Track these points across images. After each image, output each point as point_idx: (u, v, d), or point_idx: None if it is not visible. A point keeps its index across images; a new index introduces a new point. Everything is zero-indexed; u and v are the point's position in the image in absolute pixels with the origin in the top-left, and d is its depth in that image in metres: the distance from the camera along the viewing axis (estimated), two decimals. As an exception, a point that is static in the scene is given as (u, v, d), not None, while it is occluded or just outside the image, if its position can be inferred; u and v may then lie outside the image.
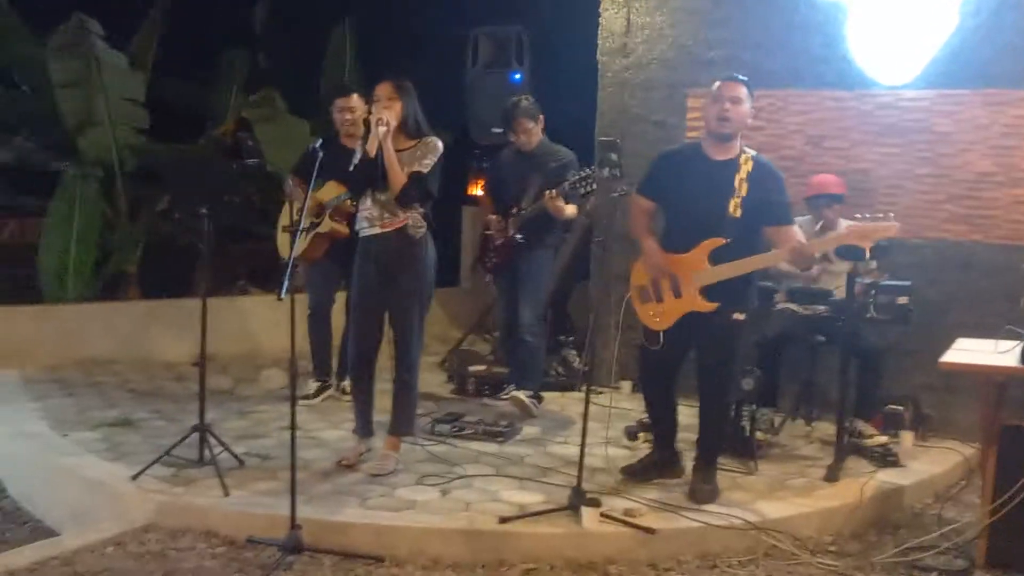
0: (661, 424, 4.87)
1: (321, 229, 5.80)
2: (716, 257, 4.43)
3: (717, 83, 4.56)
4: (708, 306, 4.44)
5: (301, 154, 6.07)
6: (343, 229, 5.76)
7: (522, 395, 5.89)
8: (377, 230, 4.67)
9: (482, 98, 8.69)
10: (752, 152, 4.58)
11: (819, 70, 6.06)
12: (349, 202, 5.66)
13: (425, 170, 4.61)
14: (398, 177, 4.55)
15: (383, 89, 4.62)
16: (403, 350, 4.75)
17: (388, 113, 4.53)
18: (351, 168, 4.76)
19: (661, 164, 4.75)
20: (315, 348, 6.17)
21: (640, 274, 4.70)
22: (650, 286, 4.62)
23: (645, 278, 4.65)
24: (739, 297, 4.48)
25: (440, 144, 4.70)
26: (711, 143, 4.55)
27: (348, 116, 5.90)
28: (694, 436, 4.73)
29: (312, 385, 6.16)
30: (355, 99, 5.91)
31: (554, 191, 5.61)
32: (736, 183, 4.44)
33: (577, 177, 5.54)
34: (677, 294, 4.53)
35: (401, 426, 4.85)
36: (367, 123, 4.63)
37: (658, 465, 4.81)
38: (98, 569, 3.86)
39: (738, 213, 4.41)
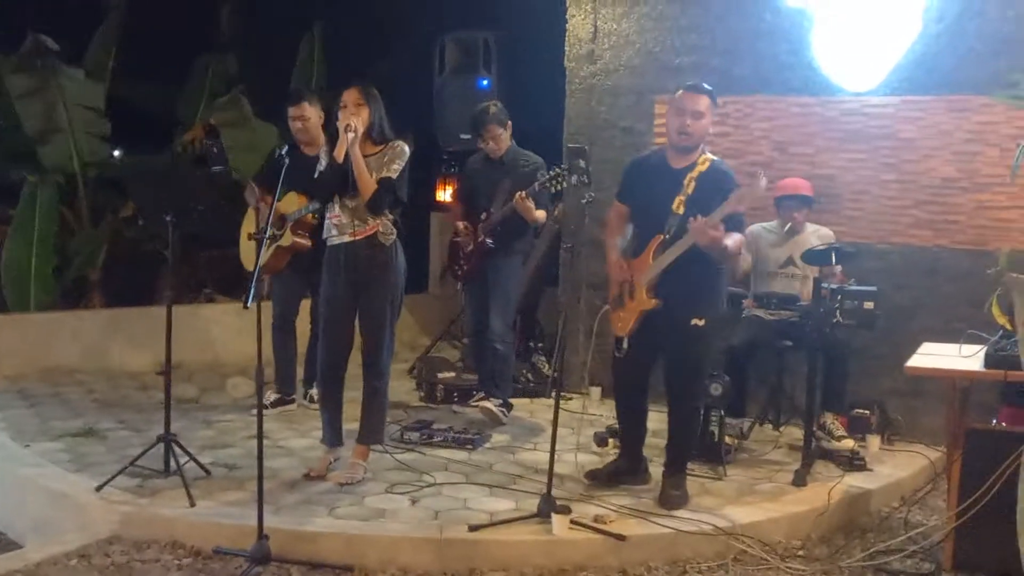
0: (629, 430, 4.88)
1: (283, 243, 5.69)
2: (659, 254, 4.51)
3: (680, 92, 4.60)
4: (651, 303, 4.50)
5: (266, 159, 6.01)
6: (305, 242, 5.72)
7: (491, 404, 5.87)
8: (347, 238, 4.64)
9: (450, 104, 8.67)
10: (713, 156, 4.63)
11: (785, 76, 6.10)
12: (311, 216, 5.63)
13: (394, 175, 4.60)
14: (368, 183, 4.53)
15: (350, 95, 4.60)
16: (373, 358, 4.72)
17: (356, 119, 4.51)
18: (316, 175, 4.73)
19: (629, 170, 4.86)
20: (279, 361, 6.10)
21: (612, 284, 4.77)
22: (620, 292, 4.68)
23: (615, 288, 4.72)
24: (697, 303, 4.51)
25: (407, 149, 4.68)
26: (672, 153, 4.63)
27: (299, 124, 5.82)
28: (663, 443, 4.74)
29: (271, 396, 6.06)
30: (306, 107, 5.81)
31: (524, 192, 5.61)
32: (685, 182, 4.51)
33: (547, 177, 5.54)
34: (632, 296, 4.60)
35: (370, 435, 4.82)
36: (325, 129, 4.59)
37: (623, 471, 4.83)
38: (61, 582, 3.81)
39: (681, 210, 4.47)
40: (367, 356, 4.72)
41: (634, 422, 4.85)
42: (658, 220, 4.53)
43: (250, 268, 6.00)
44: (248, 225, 6.10)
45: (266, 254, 5.56)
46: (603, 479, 4.77)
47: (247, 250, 6.07)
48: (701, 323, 4.49)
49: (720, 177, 4.54)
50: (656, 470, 4.78)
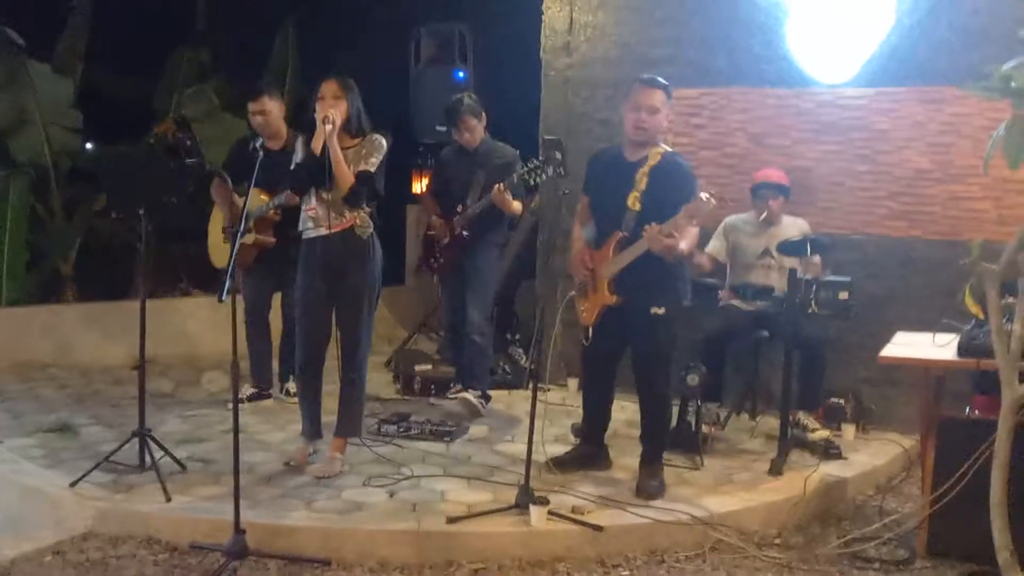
0: (593, 416, 4.96)
1: (246, 240, 5.61)
2: (619, 250, 4.55)
3: (636, 86, 4.63)
4: (612, 299, 4.56)
5: (230, 150, 5.96)
6: (268, 239, 5.71)
7: (470, 396, 5.87)
8: (324, 231, 4.62)
9: (426, 95, 8.63)
10: (665, 148, 4.66)
11: (760, 68, 6.11)
12: (273, 212, 5.60)
13: (372, 168, 4.58)
14: (346, 177, 4.50)
15: (329, 87, 4.57)
16: (350, 351, 4.70)
17: (334, 111, 4.48)
18: (293, 167, 4.71)
19: (590, 162, 4.92)
20: (253, 355, 6.06)
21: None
22: (584, 282, 4.73)
23: (578, 275, 4.78)
24: (655, 292, 4.54)
25: (384, 142, 4.67)
26: (628, 145, 4.68)
27: (260, 119, 5.75)
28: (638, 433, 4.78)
29: (247, 390, 6.02)
30: (266, 100, 5.73)
31: (502, 184, 5.60)
32: (637, 177, 4.54)
33: (527, 168, 5.51)
34: (594, 289, 4.66)
35: (347, 428, 4.81)
36: (291, 122, 4.54)
37: (587, 456, 4.89)
38: (36, 579, 3.77)
39: (637, 207, 4.52)
40: (344, 349, 4.71)
41: (599, 409, 4.94)
42: (615, 214, 4.58)
43: (218, 265, 5.99)
44: (216, 222, 6.06)
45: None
46: (568, 466, 4.81)
47: (215, 246, 6.03)
48: (661, 311, 4.54)
49: (672, 170, 4.57)
50: (626, 460, 4.80)
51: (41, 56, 8.18)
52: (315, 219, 4.63)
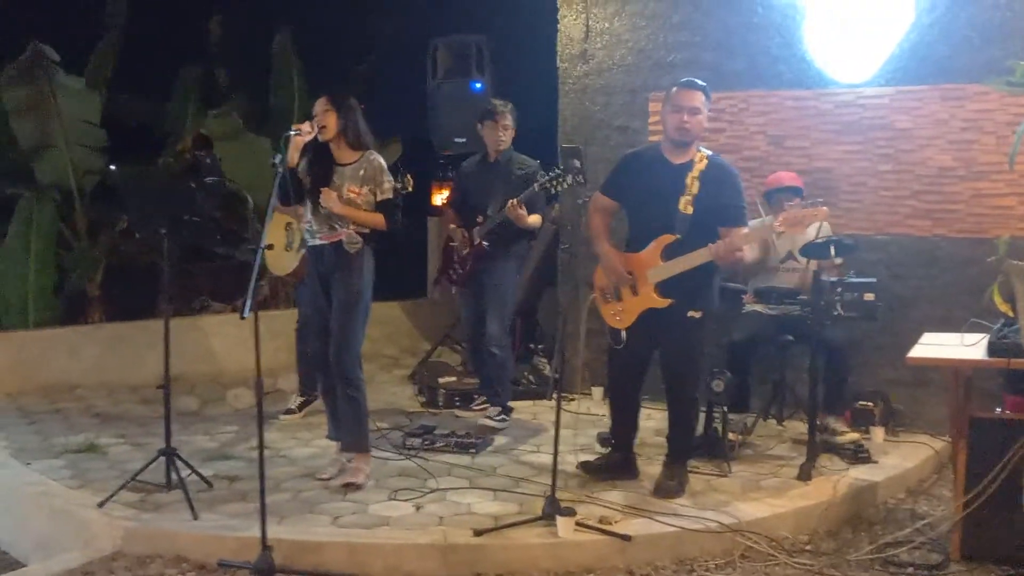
0: (621, 425, 4.93)
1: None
2: (669, 254, 4.55)
3: (675, 89, 4.67)
4: (662, 302, 4.55)
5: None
6: None
7: (489, 420, 5.85)
8: (318, 241, 4.79)
9: (444, 108, 8.67)
10: (708, 152, 4.69)
11: (778, 70, 6.08)
12: None
13: (390, 195, 4.77)
14: (372, 221, 4.70)
15: (318, 103, 4.78)
16: (338, 359, 4.74)
17: (307, 124, 4.62)
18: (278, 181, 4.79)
19: (624, 165, 4.88)
20: (301, 364, 6.10)
21: (601, 276, 4.80)
22: (610, 286, 4.72)
23: (605, 279, 4.75)
24: (695, 295, 4.57)
25: (382, 160, 4.82)
26: (669, 148, 4.69)
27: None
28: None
29: (296, 400, 6.09)
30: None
31: (516, 200, 5.58)
32: (688, 181, 4.57)
33: (547, 178, 5.47)
34: (635, 292, 4.64)
35: (355, 444, 4.85)
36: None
37: (617, 465, 4.87)
38: (65, 600, 3.79)
39: (689, 210, 4.53)
40: (333, 358, 4.75)
41: (628, 414, 4.92)
42: (662, 217, 4.57)
43: (278, 273, 6.03)
44: (270, 236, 6.06)
45: (295, 258, 5.62)
46: (595, 471, 4.80)
47: (273, 259, 6.03)
48: (698, 315, 4.57)
49: (720, 173, 4.63)
50: (654, 469, 4.80)
51: (72, 73, 8.21)
52: (310, 231, 4.81)
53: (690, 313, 4.55)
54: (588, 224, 4.93)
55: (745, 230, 4.59)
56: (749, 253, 4.55)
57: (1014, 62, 3.40)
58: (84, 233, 8.33)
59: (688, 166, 4.60)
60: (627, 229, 4.85)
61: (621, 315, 4.69)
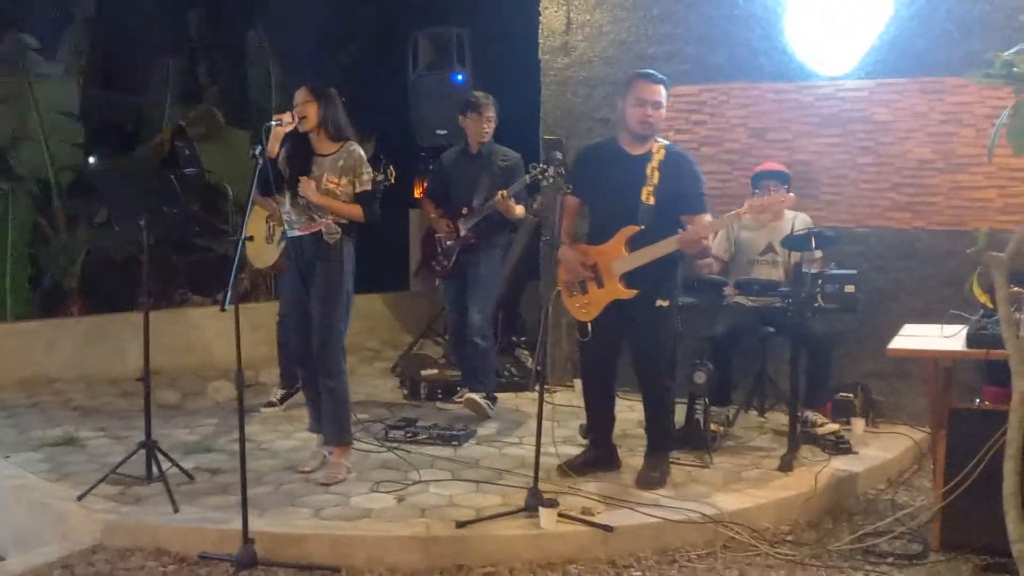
0: (598, 416, 4.93)
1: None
2: (634, 244, 4.56)
3: (638, 82, 4.65)
4: (629, 293, 4.56)
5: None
6: None
7: (476, 396, 5.85)
8: (296, 232, 4.77)
9: (425, 100, 8.64)
10: (665, 142, 4.71)
11: (760, 63, 6.09)
12: None
13: (369, 187, 4.75)
14: (350, 212, 4.69)
15: (298, 94, 4.75)
16: (319, 352, 4.73)
17: (289, 115, 4.61)
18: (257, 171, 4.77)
19: (581, 160, 4.88)
20: (283, 356, 6.08)
21: (564, 270, 4.79)
22: (574, 280, 4.71)
23: (574, 271, 4.74)
24: (660, 285, 4.59)
25: (362, 151, 4.80)
26: (628, 140, 4.69)
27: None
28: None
29: (277, 392, 6.07)
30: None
31: (505, 191, 5.58)
32: (648, 172, 4.58)
33: (537, 170, 5.45)
34: (600, 284, 4.64)
35: (335, 437, 4.83)
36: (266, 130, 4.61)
37: (597, 460, 4.87)
38: (45, 594, 3.76)
39: (651, 201, 4.54)
40: (315, 350, 4.74)
41: (603, 407, 4.91)
42: (625, 209, 4.57)
43: (259, 266, 6.00)
44: (252, 228, 6.03)
45: (276, 251, 5.60)
46: (579, 469, 4.79)
47: (254, 250, 5.99)
48: (666, 304, 4.59)
49: (679, 162, 4.65)
50: (636, 460, 4.80)
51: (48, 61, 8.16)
52: (289, 221, 4.79)
53: (658, 302, 4.56)
54: (560, 222, 4.91)
55: (708, 217, 4.59)
56: (714, 246, 4.56)
57: (993, 55, 3.41)
58: (62, 225, 8.27)
59: (647, 156, 4.61)
60: (587, 222, 4.84)
61: (587, 308, 4.69)
